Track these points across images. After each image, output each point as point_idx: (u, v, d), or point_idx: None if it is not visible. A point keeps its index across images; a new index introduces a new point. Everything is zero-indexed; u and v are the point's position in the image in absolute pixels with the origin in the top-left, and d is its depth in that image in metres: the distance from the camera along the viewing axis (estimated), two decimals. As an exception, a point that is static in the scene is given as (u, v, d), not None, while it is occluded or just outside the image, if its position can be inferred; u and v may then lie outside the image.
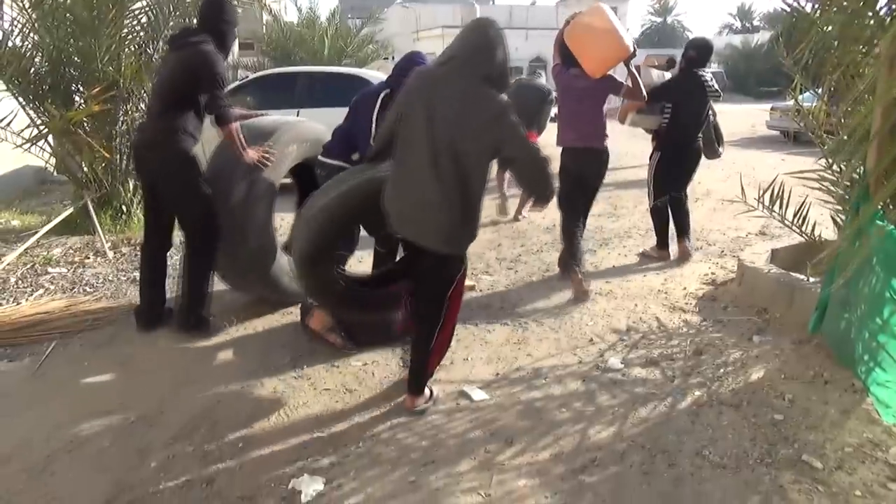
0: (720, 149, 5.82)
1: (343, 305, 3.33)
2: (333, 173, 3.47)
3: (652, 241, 5.80)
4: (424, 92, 2.77)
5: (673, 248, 5.59)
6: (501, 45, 2.77)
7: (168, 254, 4.12)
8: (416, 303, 3.13)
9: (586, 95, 4.68)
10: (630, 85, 4.80)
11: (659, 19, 58.29)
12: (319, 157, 3.83)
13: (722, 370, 3.47)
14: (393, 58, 30.70)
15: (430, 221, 2.79)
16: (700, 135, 5.41)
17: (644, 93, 4.93)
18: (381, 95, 3.62)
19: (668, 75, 6.12)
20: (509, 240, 6.20)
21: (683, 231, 5.55)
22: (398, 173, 2.87)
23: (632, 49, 4.41)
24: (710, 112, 5.56)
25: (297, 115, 8.12)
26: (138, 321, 4.00)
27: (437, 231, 2.80)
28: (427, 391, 3.14)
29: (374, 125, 3.56)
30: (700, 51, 5.30)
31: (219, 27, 3.75)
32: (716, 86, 5.35)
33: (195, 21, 3.82)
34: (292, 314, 4.24)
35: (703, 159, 5.62)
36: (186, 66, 3.67)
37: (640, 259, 5.59)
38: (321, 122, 8.70)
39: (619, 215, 7.30)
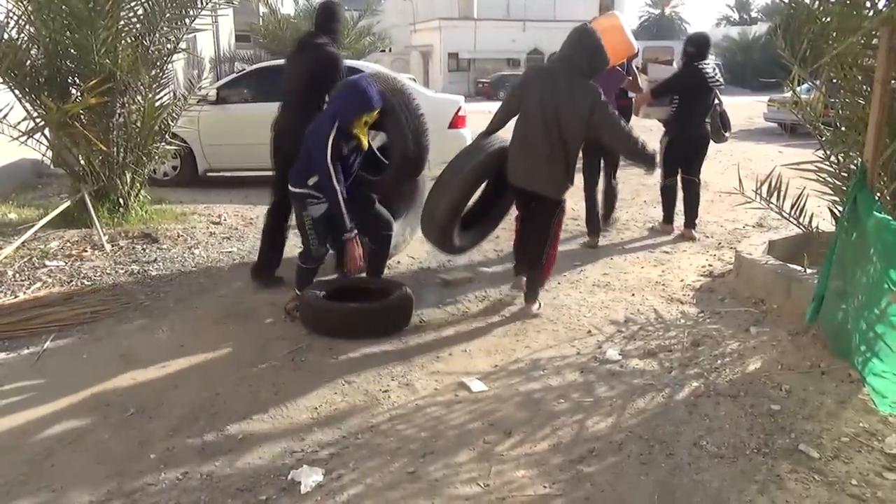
0: (726, 133, 6.33)
1: (455, 249, 4.36)
2: (299, 201, 3.87)
3: (648, 234, 6.18)
4: (539, 84, 3.91)
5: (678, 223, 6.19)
6: (592, 48, 3.84)
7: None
8: (529, 233, 4.20)
9: (598, 83, 5.21)
10: (631, 78, 5.80)
11: (657, 11, 58.17)
12: (290, 188, 3.93)
13: (719, 361, 3.48)
14: (390, 49, 30.62)
15: (543, 174, 3.90)
16: (707, 121, 5.90)
17: (641, 85, 5.89)
18: (333, 133, 3.67)
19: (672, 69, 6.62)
20: (507, 231, 6.19)
21: (690, 219, 6.03)
22: (520, 142, 3.95)
23: (635, 50, 5.14)
24: (717, 101, 6.00)
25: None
26: (254, 277, 4.63)
27: (549, 181, 3.92)
28: (538, 302, 4.16)
29: (328, 160, 3.68)
30: (697, 46, 5.80)
31: (333, 27, 4.41)
32: (718, 76, 5.78)
33: (313, 23, 4.55)
34: (291, 306, 4.25)
35: (709, 150, 6.15)
36: (316, 65, 4.25)
37: (650, 232, 6.17)
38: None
39: (617, 207, 7.28)
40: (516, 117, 4.02)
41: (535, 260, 4.14)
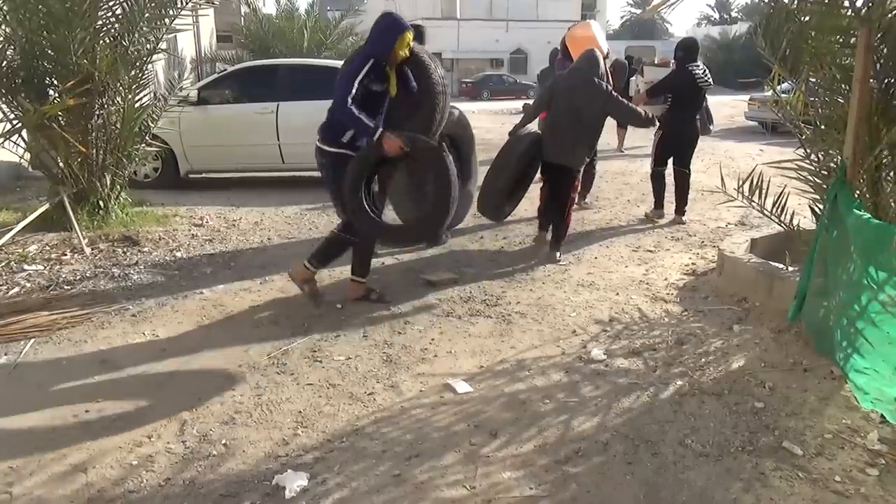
0: (711, 126, 7.25)
1: (504, 215, 5.52)
2: (335, 162, 3.94)
3: (632, 233, 6.25)
4: (566, 88, 5.26)
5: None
6: (599, 61, 5.27)
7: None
8: (555, 195, 5.43)
9: None
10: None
11: (638, 11, 58.53)
12: (320, 145, 4.00)
13: (703, 360, 3.50)
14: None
15: (568, 151, 5.22)
16: (697, 117, 6.52)
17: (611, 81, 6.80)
18: (369, 64, 3.80)
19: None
20: (491, 232, 6.19)
21: (680, 206, 6.60)
22: (552, 127, 5.31)
23: (605, 52, 6.03)
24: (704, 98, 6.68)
25: (277, 109, 8.07)
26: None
27: (572, 155, 5.25)
28: (559, 252, 5.34)
29: (354, 87, 3.74)
30: (686, 51, 6.49)
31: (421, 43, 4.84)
32: (707, 77, 6.40)
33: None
34: (272, 311, 4.21)
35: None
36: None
37: (642, 220, 6.69)
38: (300, 116, 8.67)
39: (601, 207, 7.33)
40: (545, 113, 5.44)
41: (558, 215, 5.43)
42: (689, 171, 6.57)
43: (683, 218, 6.56)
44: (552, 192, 5.47)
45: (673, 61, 6.78)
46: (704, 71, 6.39)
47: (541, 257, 5.34)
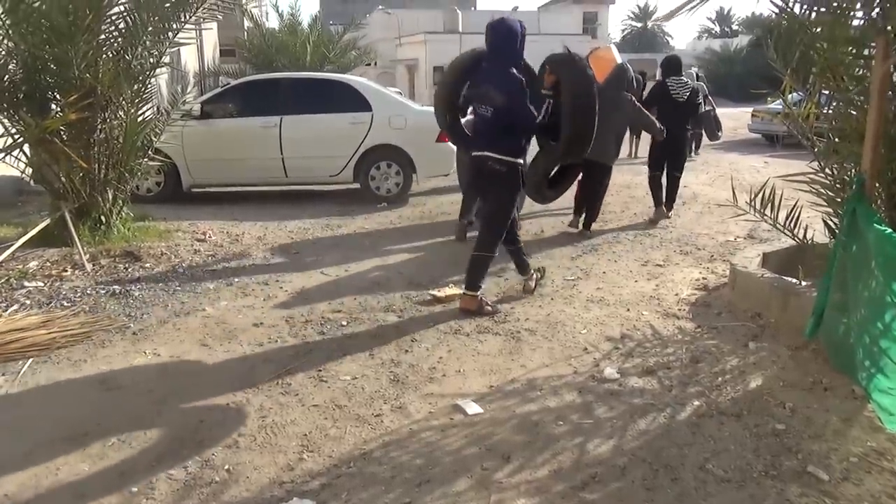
0: (719, 133, 8.50)
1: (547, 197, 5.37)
2: (516, 174, 4.40)
3: (640, 247, 6.19)
4: (601, 95, 5.03)
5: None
6: (627, 75, 6.54)
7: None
8: (590, 187, 6.63)
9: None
10: None
11: (639, 24, 58.76)
12: (509, 159, 4.31)
13: (720, 378, 3.40)
14: (376, 63, 30.50)
15: (602, 150, 5.86)
16: (689, 128, 7.43)
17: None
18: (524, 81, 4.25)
19: None
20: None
21: (669, 202, 7.34)
22: None
23: None
24: (711, 107, 7.61)
25: (280, 122, 8.03)
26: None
27: (605, 153, 6.28)
28: (590, 230, 6.64)
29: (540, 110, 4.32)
30: (666, 66, 7.28)
31: None
32: (679, 90, 7.00)
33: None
34: (275, 328, 4.13)
35: (695, 162, 7.44)
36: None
37: (647, 224, 7.07)
38: (304, 129, 8.59)
39: (608, 220, 7.24)
40: None
41: (592, 204, 6.67)
42: (681, 173, 7.27)
43: (669, 213, 7.25)
44: (589, 182, 6.55)
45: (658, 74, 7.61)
46: (684, 84, 7.04)
47: (577, 235, 6.51)
